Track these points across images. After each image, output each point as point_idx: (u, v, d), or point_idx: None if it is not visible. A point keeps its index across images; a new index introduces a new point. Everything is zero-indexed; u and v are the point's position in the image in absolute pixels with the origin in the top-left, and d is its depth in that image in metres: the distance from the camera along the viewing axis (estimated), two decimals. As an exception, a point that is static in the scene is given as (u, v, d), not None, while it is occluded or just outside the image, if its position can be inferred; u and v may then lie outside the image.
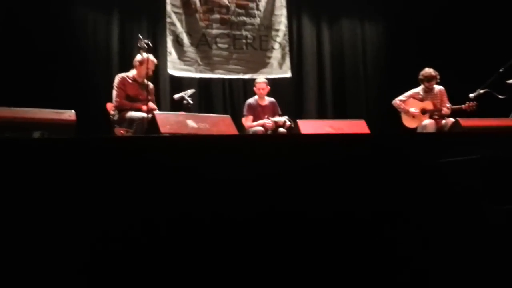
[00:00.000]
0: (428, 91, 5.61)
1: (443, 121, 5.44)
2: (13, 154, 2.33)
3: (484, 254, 2.16)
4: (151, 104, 4.71)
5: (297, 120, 5.11)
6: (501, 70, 5.18)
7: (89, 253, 2.18)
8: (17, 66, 5.26)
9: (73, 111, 4.15)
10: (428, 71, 5.57)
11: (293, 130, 5.25)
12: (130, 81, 4.90)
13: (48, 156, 2.37)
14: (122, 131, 4.68)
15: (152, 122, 4.20)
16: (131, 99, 4.84)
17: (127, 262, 2.19)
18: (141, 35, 4.96)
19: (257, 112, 5.64)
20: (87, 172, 2.36)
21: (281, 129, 5.46)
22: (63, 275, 2.13)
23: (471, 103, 5.29)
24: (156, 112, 4.48)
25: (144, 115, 4.58)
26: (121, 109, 4.79)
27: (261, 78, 5.88)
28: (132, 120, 4.66)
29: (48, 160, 2.34)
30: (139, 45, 4.80)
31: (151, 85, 5.03)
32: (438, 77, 5.57)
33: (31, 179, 2.27)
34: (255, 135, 5.27)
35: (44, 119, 4.01)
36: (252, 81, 6.11)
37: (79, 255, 2.17)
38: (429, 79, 5.55)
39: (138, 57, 4.89)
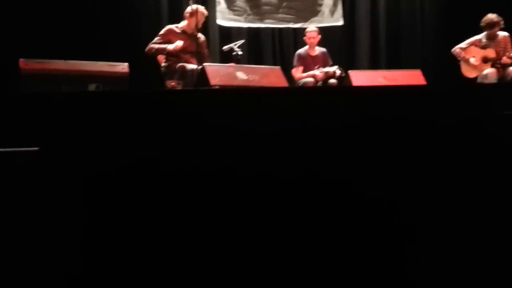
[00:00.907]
0: (491, 38, 5.28)
1: (506, 71, 5.14)
2: (70, 108, 2.41)
3: None
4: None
5: (349, 71, 4.98)
6: None
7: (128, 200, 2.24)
8: (70, 20, 5.37)
9: (126, 64, 4.23)
10: (490, 17, 5.22)
11: (345, 81, 5.13)
12: (178, 31, 4.88)
13: (103, 109, 2.43)
14: (173, 83, 4.72)
15: (202, 74, 4.21)
16: (180, 51, 4.84)
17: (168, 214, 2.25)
18: (191, -14, 4.90)
19: (308, 62, 5.53)
20: (140, 125, 2.40)
21: (332, 80, 5.34)
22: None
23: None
24: (206, 63, 4.47)
25: (195, 66, 4.59)
26: (149, 52, 4.80)
27: (311, 27, 5.71)
28: (183, 71, 4.69)
29: (103, 113, 2.40)
30: (188, -5, 4.76)
31: (202, 37, 5.00)
32: (502, 23, 5.21)
33: (87, 131, 2.34)
34: (305, 87, 5.18)
35: (99, 72, 4.12)
36: (302, 31, 5.95)
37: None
38: (491, 25, 5.21)
39: (188, 8, 4.85)
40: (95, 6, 5.51)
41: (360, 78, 4.68)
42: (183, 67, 4.68)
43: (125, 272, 2.15)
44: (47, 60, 4.03)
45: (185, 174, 2.34)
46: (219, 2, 6.18)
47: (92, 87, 4.03)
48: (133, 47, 5.33)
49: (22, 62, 3.91)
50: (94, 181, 2.19)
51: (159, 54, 4.89)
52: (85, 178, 2.19)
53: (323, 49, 5.63)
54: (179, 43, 4.69)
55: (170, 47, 4.73)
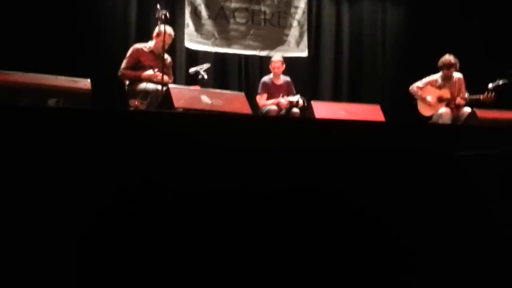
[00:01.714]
0: (447, 78, 5.51)
1: (460, 111, 5.36)
2: (28, 122, 2.35)
3: (494, 254, 2.16)
4: (165, 78, 4.69)
5: (312, 102, 5.09)
6: (523, 61, 5.08)
7: (97, 224, 2.21)
8: (33, 32, 5.27)
9: (88, 80, 4.17)
10: (448, 58, 5.45)
11: (307, 111, 5.23)
12: (146, 51, 4.88)
13: (62, 125, 2.39)
14: (136, 103, 4.69)
15: (166, 96, 4.20)
16: (146, 70, 4.83)
17: (139, 237, 2.22)
18: (160, 6, 4.91)
19: (272, 90, 5.62)
20: (100, 144, 2.37)
21: (295, 109, 5.44)
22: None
23: (490, 94, 5.19)
24: (171, 85, 4.47)
25: (159, 87, 4.57)
26: (123, 78, 4.82)
27: (277, 57, 5.82)
28: (147, 92, 4.67)
29: (62, 130, 2.36)
30: (156, 15, 4.76)
31: (169, 58, 5.01)
32: (457, 64, 5.45)
33: (44, 147, 2.29)
34: (268, 116, 5.25)
35: (60, 87, 4.04)
36: (268, 59, 6.06)
37: (87, 226, 2.20)
38: (448, 66, 5.44)
39: (157, 29, 4.86)
40: (61, 20, 5.43)
41: (322, 109, 4.78)
42: (146, 88, 4.67)
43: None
44: (6, 72, 3.92)
45: (147, 192, 2.32)
46: (188, 25, 6.22)
47: (52, 102, 3.94)
48: (98, 64, 5.28)
49: (-20, 72, 3.80)
50: (52, 200, 2.14)
51: (129, 79, 4.85)
52: (44, 196, 2.13)
53: (288, 78, 5.74)
54: (152, 72, 4.70)
55: (144, 75, 4.73)
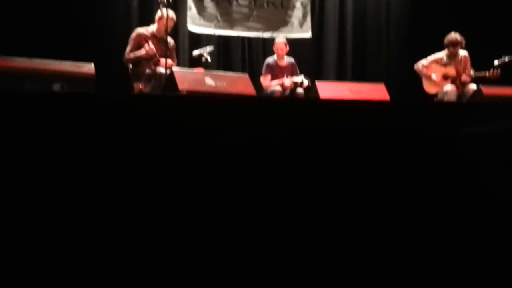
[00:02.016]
0: (452, 56, 5.47)
1: (465, 88, 5.34)
2: (33, 107, 2.36)
3: (495, 232, 2.16)
4: (169, 61, 4.69)
5: (316, 82, 5.07)
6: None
7: (94, 213, 2.22)
8: (36, 18, 5.25)
9: (92, 64, 4.17)
10: (454, 35, 5.41)
11: (311, 91, 5.22)
12: (148, 35, 4.87)
13: (67, 110, 2.40)
14: (140, 86, 4.70)
15: (170, 78, 4.20)
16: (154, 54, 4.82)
17: (144, 225, 2.24)
18: (161, -11, 4.88)
19: (276, 71, 5.59)
20: (104, 128, 2.38)
21: (299, 89, 5.42)
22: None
23: (495, 71, 5.15)
24: (175, 68, 4.47)
25: (163, 70, 4.57)
26: (127, 63, 4.80)
27: (280, 38, 5.78)
28: (150, 75, 4.67)
29: (67, 114, 2.37)
30: (158, -1, 4.75)
31: (172, 42, 5.00)
32: (463, 42, 5.42)
33: (48, 132, 2.30)
34: (273, 97, 5.24)
35: (64, 71, 4.05)
36: (271, 40, 6.02)
37: (83, 215, 2.21)
38: (454, 44, 5.40)
39: (159, 12, 4.84)
40: (63, 4, 5.40)
41: (326, 89, 4.76)
42: (151, 71, 4.67)
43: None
44: (10, 57, 3.94)
45: (150, 178, 2.33)
46: (190, 8, 6.18)
47: (56, 86, 3.96)
48: (101, 47, 5.27)
49: (-16, 58, 3.81)
50: (56, 186, 2.16)
51: (134, 63, 4.85)
52: (48, 183, 2.15)
53: (292, 59, 5.71)
54: (151, 49, 4.68)
55: (143, 52, 4.72)
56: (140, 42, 4.83)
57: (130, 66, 4.88)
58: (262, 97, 5.12)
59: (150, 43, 4.71)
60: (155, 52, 4.69)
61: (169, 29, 4.81)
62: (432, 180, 2.36)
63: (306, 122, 2.57)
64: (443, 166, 2.38)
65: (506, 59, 5.13)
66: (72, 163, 2.22)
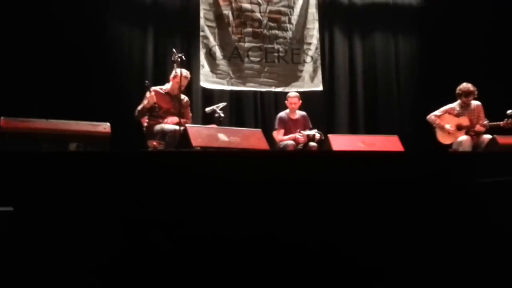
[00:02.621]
0: (465, 106, 5.48)
1: (480, 138, 5.30)
2: (50, 167, 2.39)
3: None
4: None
5: (329, 135, 5.08)
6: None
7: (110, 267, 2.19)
8: (54, 79, 5.40)
9: (108, 124, 4.25)
10: (466, 86, 5.44)
11: (324, 144, 5.22)
12: (162, 93, 4.98)
13: (83, 168, 2.42)
14: (155, 143, 4.75)
15: (184, 135, 4.24)
16: (163, 112, 4.92)
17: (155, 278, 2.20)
18: (175, 50, 5.04)
19: (289, 125, 5.63)
20: (120, 185, 2.39)
21: (312, 143, 5.43)
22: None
23: (510, 120, 5.14)
24: (188, 125, 4.53)
25: (176, 127, 4.63)
26: (137, 116, 4.91)
27: (293, 92, 5.86)
28: (164, 132, 4.73)
29: (84, 172, 2.39)
30: (172, 58, 4.89)
31: (186, 99, 5.10)
32: (476, 92, 5.44)
33: (66, 191, 2.31)
34: (287, 151, 5.25)
35: (80, 131, 4.12)
36: (283, 95, 6.11)
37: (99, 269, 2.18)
38: (467, 94, 5.42)
39: (173, 71, 4.97)
40: (81, 65, 5.58)
41: (340, 142, 4.76)
42: (164, 128, 4.74)
43: None
44: (28, 119, 4.03)
45: (168, 232, 2.31)
46: (203, 66, 6.34)
47: (72, 146, 4.02)
48: (118, 107, 5.38)
49: (2, 120, 3.90)
50: (72, 241, 2.14)
51: (143, 116, 4.95)
52: (63, 239, 2.14)
53: (304, 113, 5.76)
54: (150, 96, 4.79)
55: (145, 102, 4.82)
56: (154, 100, 4.93)
57: (145, 124, 4.96)
58: (276, 151, 5.12)
59: (153, 93, 4.81)
60: (154, 102, 4.78)
61: (183, 87, 4.92)
62: (448, 228, 2.30)
63: (320, 173, 2.55)
64: (458, 215, 2.33)
65: (520, 108, 5.13)
66: (90, 218, 2.22)
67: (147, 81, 5.06)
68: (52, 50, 5.47)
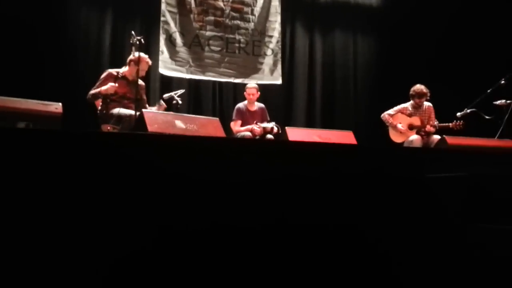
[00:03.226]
0: (417, 107, 5.67)
1: (430, 138, 5.50)
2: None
3: (463, 273, 2.17)
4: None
5: (286, 127, 5.12)
6: (489, 91, 5.26)
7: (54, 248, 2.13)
8: (6, 57, 5.18)
9: (60, 104, 4.09)
10: (420, 87, 5.62)
11: (281, 137, 5.26)
12: (118, 76, 4.85)
13: (32, 147, 2.34)
14: (109, 128, 4.63)
15: (139, 120, 4.16)
16: (119, 97, 4.80)
17: (99, 266, 2.16)
18: (134, 32, 4.92)
19: (246, 117, 5.64)
20: (70, 166, 2.32)
21: (269, 135, 5.46)
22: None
23: (458, 122, 5.35)
24: (145, 110, 4.44)
25: (132, 112, 4.53)
26: (89, 99, 4.76)
27: (251, 84, 5.88)
28: (120, 117, 4.62)
29: (32, 151, 2.31)
30: (131, 41, 4.76)
31: (142, 83, 5.00)
32: (428, 94, 5.63)
33: (14, 169, 2.23)
34: (243, 139, 5.25)
35: (30, 110, 3.94)
36: (242, 86, 6.11)
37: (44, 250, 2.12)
38: (420, 95, 5.61)
39: (132, 55, 4.85)
40: (36, 44, 5.37)
41: (296, 135, 4.80)
42: (120, 113, 4.63)
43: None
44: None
45: (110, 218, 2.27)
46: (162, 52, 6.25)
47: (21, 125, 3.86)
48: (72, 88, 5.22)
49: None
50: (21, 223, 2.07)
51: (97, 99, 4.81)
52: (13, 220, 2.06)
53: (262, 105, 5.79)
54: (111, 86, 4.65)
55: (102, 89, 4.68)
56: (109, 82, 4.80)
57: (99, 107, 4.82)
58: (232, 138, 5.12)
59: (117, 84, 4.69)
60: (112, 92, 4.65)
61: (144, 72, 4.82)
62: (399, 219, 2.37)
63: (276, 164, 2.57)
64: (407, 207, 2.40)
65: (468, 110, 5.33)
66: (38, 200, 2.15)
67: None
68: (4, 25, 5.24)
